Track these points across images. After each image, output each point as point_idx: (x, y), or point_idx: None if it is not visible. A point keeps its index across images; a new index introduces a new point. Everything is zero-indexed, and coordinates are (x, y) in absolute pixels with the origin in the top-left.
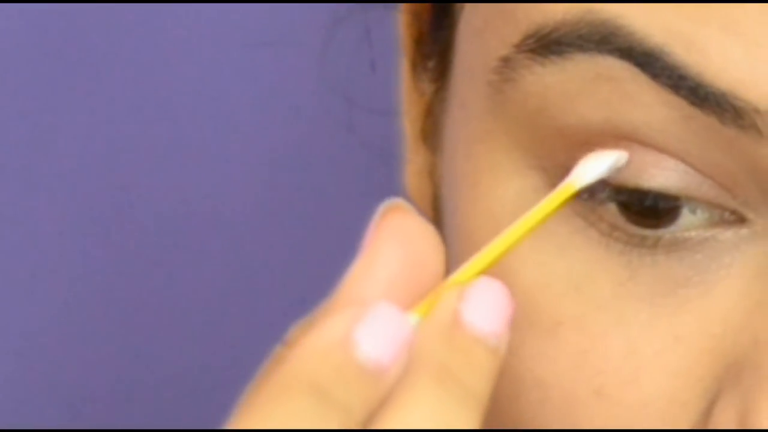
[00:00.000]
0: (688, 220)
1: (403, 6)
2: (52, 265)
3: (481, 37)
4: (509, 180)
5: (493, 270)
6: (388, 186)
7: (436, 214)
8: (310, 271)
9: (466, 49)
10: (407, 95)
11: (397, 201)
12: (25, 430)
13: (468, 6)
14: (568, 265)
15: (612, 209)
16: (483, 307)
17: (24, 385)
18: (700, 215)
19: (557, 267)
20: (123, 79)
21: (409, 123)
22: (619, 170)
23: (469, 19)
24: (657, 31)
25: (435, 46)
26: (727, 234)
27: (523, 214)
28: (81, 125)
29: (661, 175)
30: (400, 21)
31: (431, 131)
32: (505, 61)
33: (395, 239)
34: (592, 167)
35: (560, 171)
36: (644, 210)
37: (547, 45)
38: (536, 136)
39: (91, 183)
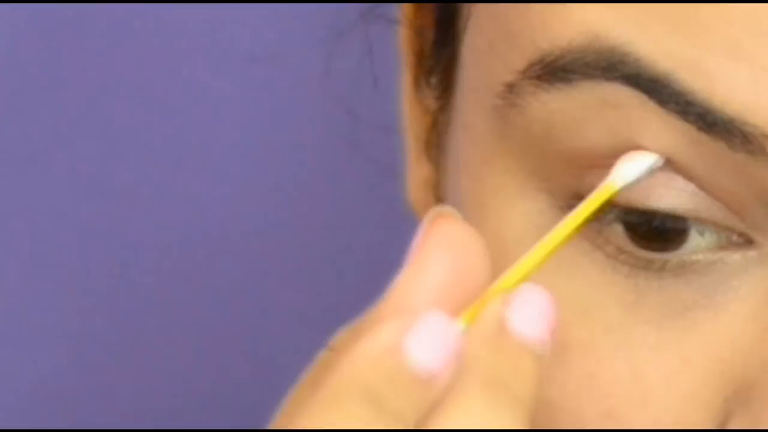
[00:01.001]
0: (695, 242)
1: (404, 21)
2: (56, 267)
3: (485, 60)
4: (515, 202)
5: None
6: (392, 199)
7: None
8: (315, 283)
9: (470, 70)
10: (408, 108)
11: (445, 208)
12: (25, 430)
13: (471, 26)
14: (574, 288)
15: (619, 231)
16: (528, 313)
17: (27, 386)
18: (708, 238)
19: (564, 290)
20: (124, 97)
21: (411, 136)
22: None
23: (473, 40)
24: (663, 57)
25: (438, 63)
26: (735, 257)
27: (562, 220)
28: (86, 128)
29: (670, 195)
30: (401, 36)
31: (434, 146)
32: (510, 87)
33: (443, 246)
34: (633, 167)
35: (567, 193)
36: (652, 232)
37: (553, 72)
38: (542, 160)
39: (99, 188)
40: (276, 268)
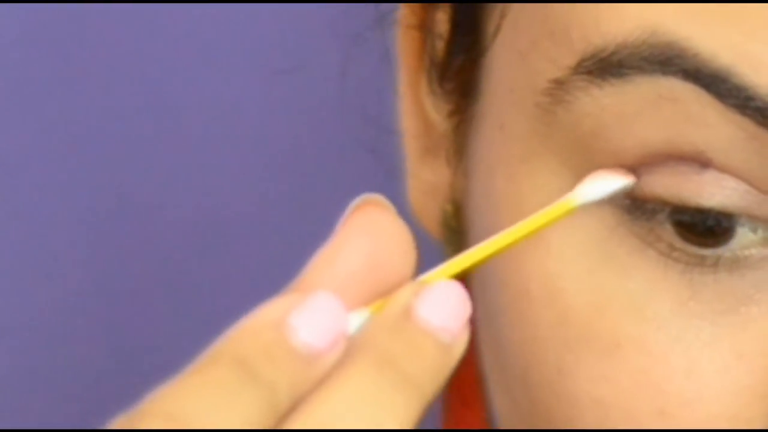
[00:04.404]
0: (747, 238)
1: (408, 23)
2: (54, 265)
3: (526, 59)
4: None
5: (544, 293)
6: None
7: (447, 233)
8: None
9: (506, 71)
10: (410, 113)
11: (376, 196)
12: (25, 430)
13: (507, 28)
14: (626, 285)
15: (669, 229)
16: (438, 304)
17: (24, 385)
18: (761, 234)
19: (616, 288)
20: (144, 103)
21: (412, 140)
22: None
23: (510, 41)
24: (724, 52)
25: (455, 68)
26: None
27: (512, 226)
28: (91, 128)
29: (721, 193)
30: (402, 38)
31: (453, 151)
32: (559, 83)
33: (364, 234)
34: (598, 186)
35: None
36: (703, 229)
37: (607, 67)
38: (588, 158)
39: (96, 185)
40: (285, 269)
